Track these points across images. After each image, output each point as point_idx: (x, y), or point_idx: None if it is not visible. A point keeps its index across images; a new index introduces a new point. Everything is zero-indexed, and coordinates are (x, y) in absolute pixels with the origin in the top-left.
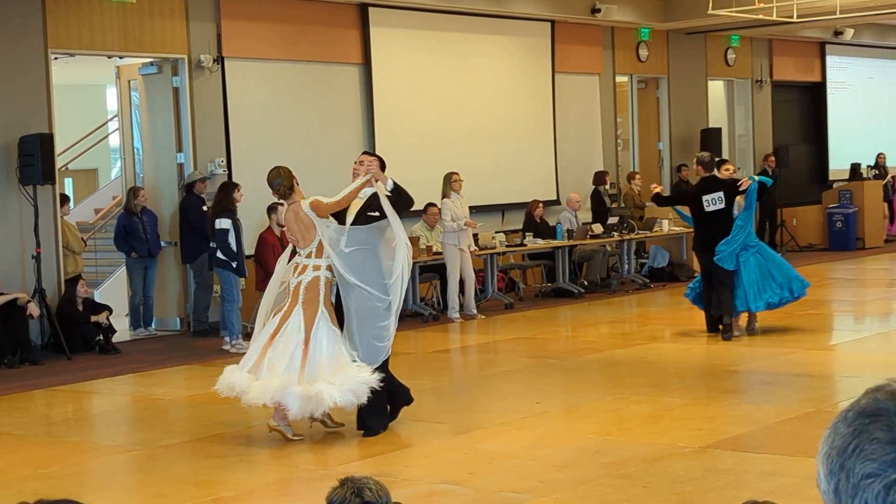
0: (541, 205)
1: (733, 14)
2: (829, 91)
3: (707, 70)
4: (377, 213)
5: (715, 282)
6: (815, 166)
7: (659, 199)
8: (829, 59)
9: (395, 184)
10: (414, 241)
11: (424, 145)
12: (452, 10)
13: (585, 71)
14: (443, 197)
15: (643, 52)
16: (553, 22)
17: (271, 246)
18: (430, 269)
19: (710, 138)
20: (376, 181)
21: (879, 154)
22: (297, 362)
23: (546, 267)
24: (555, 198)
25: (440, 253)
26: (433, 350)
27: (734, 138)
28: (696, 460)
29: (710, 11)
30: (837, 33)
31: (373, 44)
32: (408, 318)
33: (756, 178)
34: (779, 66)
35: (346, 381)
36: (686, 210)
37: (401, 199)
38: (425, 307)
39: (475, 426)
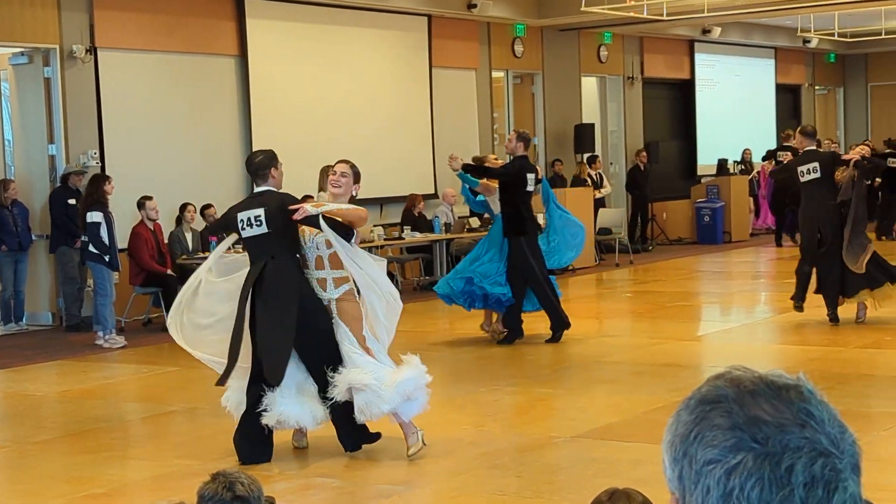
0: (421, 199)
1: (605, 11)
2: (697, 88)
3: (581, 66)
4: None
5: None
6: (684, 162)
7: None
8: (698, 57)
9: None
10: None
11: (302, 138)
12: (329, 2)
13: (462, 66)
14: (319, 190)
15: (518, 48)
16: (430, 17)
17: (144, 239)
18: None
19: (584, 134)
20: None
21: (745, 150)
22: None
23: (424, 260)
24: (433, 192)
25: None
26: None
27: (607, 134)
28: (568, 449)
29: (582, 9)
30: (705, 31)
31: (249, 35)
32: None
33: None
34: (649, 63)
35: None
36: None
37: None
38: None
39: None
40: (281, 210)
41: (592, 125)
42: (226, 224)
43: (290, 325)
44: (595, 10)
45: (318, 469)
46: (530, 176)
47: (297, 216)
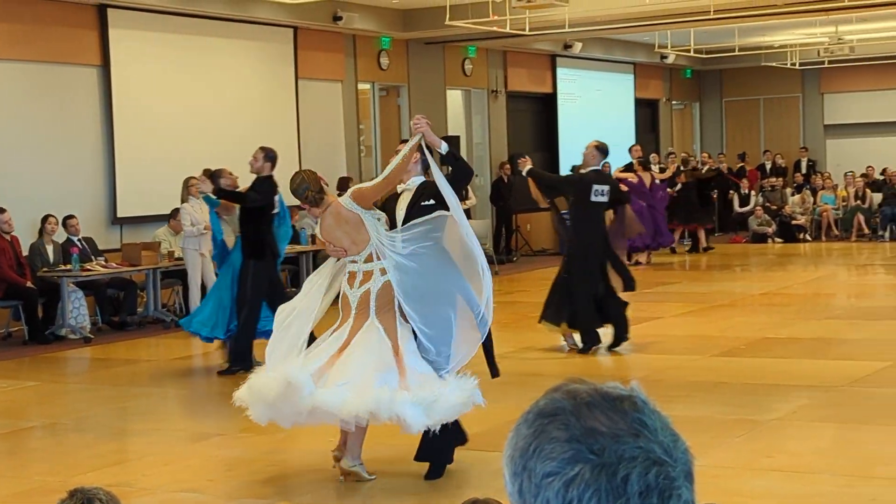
0: (296, 212)
1: (469, 26)
2: (559, 102)
3: (446, 79)
4: (432, 202)
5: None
6: (550, 171)
7: None
8: (560, 72)
9: (449, 149)
10: (154, 246)
11: (165, 150)
12: (194, 13)
13: (328, 77)
14: (182, 202)
15: (384, 61)
16: (296, 28)
17: (1, 250)
18: (172, 275)
19: (450, 146)
20: (426, 147)
21: (604, 164)
22: (394, 374)
23: (291, 272)
24: (298, 203)
25: (182, 258)
26: (175, 357)
27: (472, 146)
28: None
29: (447, 22)
30: (567, 47)
31: (112, 45)
32: (149, 324)
33: None
34: (513, 77)
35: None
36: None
37: (459, 168)
38: (167, 313)
39: (215, 432)
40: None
41: (458, 137)
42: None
43: None
44: (459, 24)
45: (181, 484)
46: (277, 198)
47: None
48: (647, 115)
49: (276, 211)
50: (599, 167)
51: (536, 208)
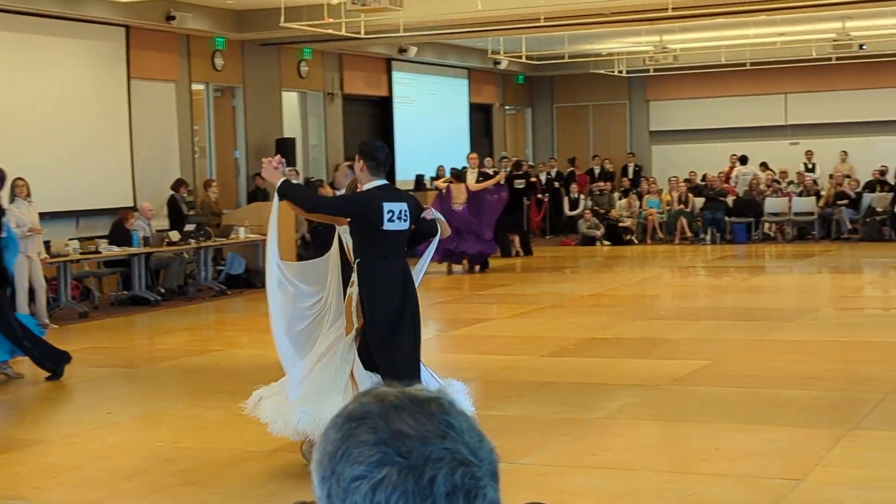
0: (132, 214)
1: (304, 28)
2: (395, 105)
3: (281, 81)
4: None
5: None
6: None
7: None
8: (395, 75)
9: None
10: None
11: None
12: (23, 10)
13: (162, 78)
14: (9, 202)
15: (219, 62)
16: (128, 27)
17: None
18: None
19: (285, 148)
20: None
21: (439, 166)
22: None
23: (122, 275)
24: (132, 205)
25: None
26: None
27: (308, 148)
28: (266, 463)
29: (282, 24)
30: (402, 51)
31: None
32: None
33: None
34: (349, 79)
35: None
36: None
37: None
38: None
39: (40, 439)
40: (417, 208)
41: (294, 139)
42: (362, 211)
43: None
44: (294, 26)
45: (4, 491)
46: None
47: (426, 215)
48: (481, 119)
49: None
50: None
51: None
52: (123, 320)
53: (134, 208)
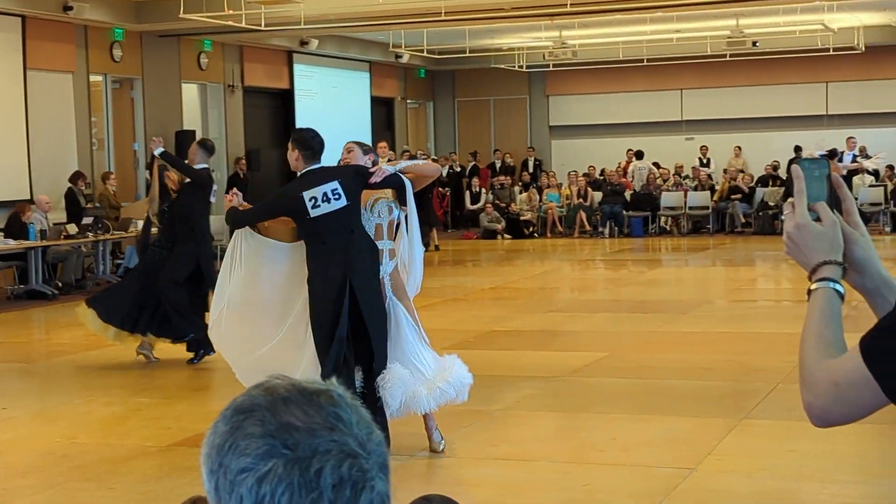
0: (29, 207)
1: (204, 19)
2: (297, 98)
3: (181, 73)
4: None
5: None
6: (285, 170)
7: None
8: (297, 68)
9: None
10: None
11: None
12: None
13: (59, 69)
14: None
15: (117, 53)
16: (24, 17)
17: None
18: None
19: (185, 140)
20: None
21: (341, 160)
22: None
23: (19, 268)
24: (28, 197)
25: None
26: None
27: None
28: (162, 459)
29: (181, 15)
30: (303, 43)
31: None
32: None
33: None
34: (250, 72)
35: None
36: None
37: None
38: None
39: None
40: (356, 178)
41: (193, 132)
42: (286, 207)
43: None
44: (194, 17)
45: None
46: None
47: (375, 179)
48: (382, 113)
49: None
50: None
51: None
52: (20, 314)
53: (31, 201)
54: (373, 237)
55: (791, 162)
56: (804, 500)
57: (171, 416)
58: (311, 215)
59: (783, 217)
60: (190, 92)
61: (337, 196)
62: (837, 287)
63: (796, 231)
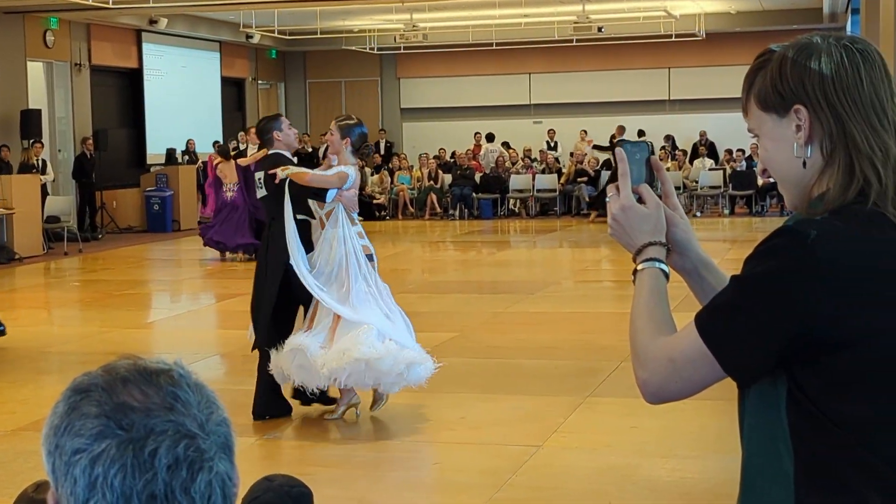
0: None
1: None
2: (145, 78)
3: (26, 51)
4: None
5: None
6: (134, 150)
7: None
8: (146, 47)
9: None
10: None
11: None
12: None
13: None
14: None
15: None
16: None
17: None
18: None
19: (31, 119)
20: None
21: (190, 140)
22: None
23: None
24: None
25: None
26: None
27: (55, 120)
28: (7, 444)
29: None
30: (153, 22)
31: None
32: None
33: None
34: (97, 50)
35: None
36: None
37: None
38: None
39: None
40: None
41: (39, 111)
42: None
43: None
44: None
45: None
46: None
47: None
48: (233, 93)
49: None
50: None
51: (123, 185)
52: None
53: None
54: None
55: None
56: (645, 476)
57: (16, 400)
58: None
59: (608, 199)
60: (35, 70)
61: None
62: (663, 267)
63: (622, 213)
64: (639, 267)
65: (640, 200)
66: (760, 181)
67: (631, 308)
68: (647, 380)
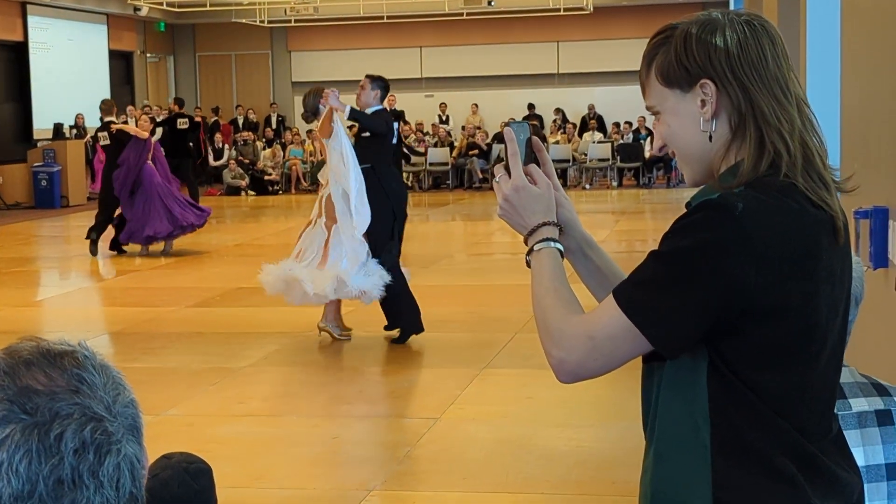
0: None
1: None
2: (31, 51)
3: None
4: (367, 134)
5: None
6: (20, 125)
7: None
8: (31, 20)
9: (351, 110)
10: None
11: None
12: None
13: None
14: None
15: None
16: None
17: None
18: None
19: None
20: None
21: (78, 114)
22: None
23: None
24: None
25: None
26: None
27: None
28: None
29: None
30: None
31: None
32: None
33: None
34: None
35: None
36: None
37: (361, 122)
38: None
39: None
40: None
41: None
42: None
43: None
44: None
45: None
46: None
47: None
48: (121, 67)
49: None
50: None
51: (9, 160)
52: None
53: None
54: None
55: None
56: (542, 445)
57: None
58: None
59: (497, 180)
60: None
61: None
62: (559, 246)
63: (514, 193)
64: (535, 247)
65: (530, 181)
66: (648, 154)
67: (532, 288)
68: (565, 358)
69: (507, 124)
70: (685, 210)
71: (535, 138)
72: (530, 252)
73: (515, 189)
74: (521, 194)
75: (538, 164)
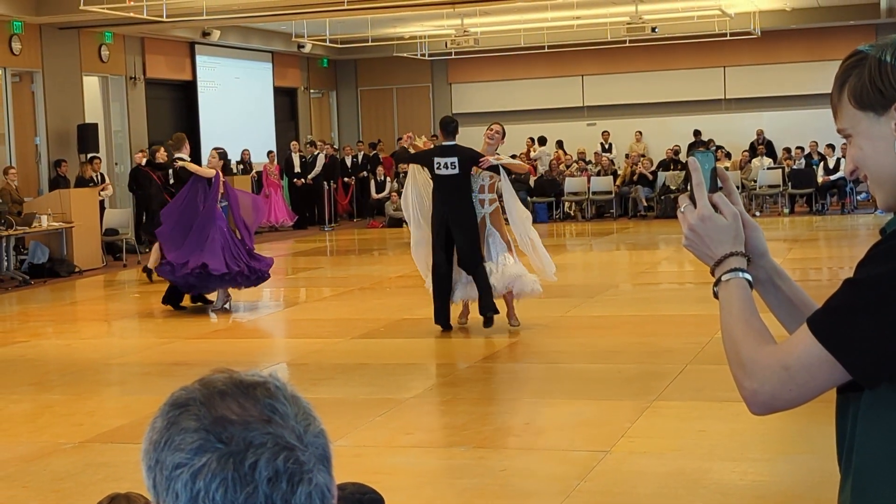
0: None
1: (104, 11)
2: (199, 89)
3: (82, 65)
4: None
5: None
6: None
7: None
8: (199, 59)
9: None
10: None
11: None
12: None
13: None
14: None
15: (16, 46)
16: None
17: None
18: None
19: (88, 133)
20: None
21: (244, 150)
22: None
23: None
24: None
25: None
26: None
27: (111, 134)
28: (76, 455)
29: (81, 7)
30: (205, 34)
31: None
32: None
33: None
34: (152, 63)
35: None
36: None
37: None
38: None
39: None
40: (471, 160)
41: (96, 125)
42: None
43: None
44: (94, 10)
45: None
46: None
47: (482, 164)
48: (285, 102)
49: None
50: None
51: None
52: None
53: None
54: (478, 191)
55: (688, 153)
56: (716, 479)
57: (82, 413)
58: (436, 172)
59: (682, 210)
60: (91, 84)
61: (453, 167)
62: (748, 276)
63: (701, 223)
64: (723, 278)
65: (716, 210)
66: (820, 179)
67: (721, 319)
68: (758, 389)
69: (692, 154)
70: (879, 237)
71: (720, 167)
72: (717, 283)
73: (701, 219)
74: (707, 224)
75: (724, 194)
